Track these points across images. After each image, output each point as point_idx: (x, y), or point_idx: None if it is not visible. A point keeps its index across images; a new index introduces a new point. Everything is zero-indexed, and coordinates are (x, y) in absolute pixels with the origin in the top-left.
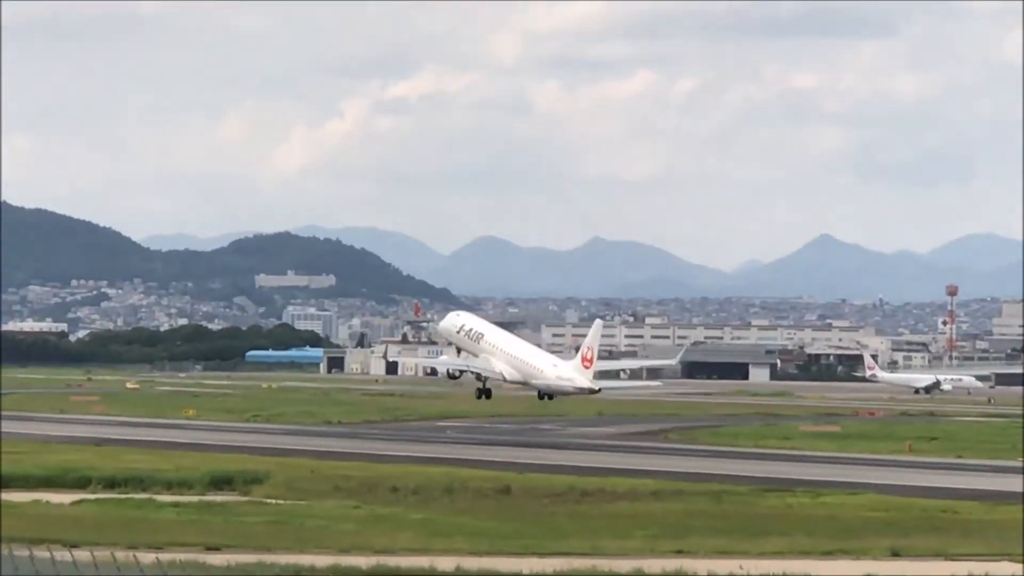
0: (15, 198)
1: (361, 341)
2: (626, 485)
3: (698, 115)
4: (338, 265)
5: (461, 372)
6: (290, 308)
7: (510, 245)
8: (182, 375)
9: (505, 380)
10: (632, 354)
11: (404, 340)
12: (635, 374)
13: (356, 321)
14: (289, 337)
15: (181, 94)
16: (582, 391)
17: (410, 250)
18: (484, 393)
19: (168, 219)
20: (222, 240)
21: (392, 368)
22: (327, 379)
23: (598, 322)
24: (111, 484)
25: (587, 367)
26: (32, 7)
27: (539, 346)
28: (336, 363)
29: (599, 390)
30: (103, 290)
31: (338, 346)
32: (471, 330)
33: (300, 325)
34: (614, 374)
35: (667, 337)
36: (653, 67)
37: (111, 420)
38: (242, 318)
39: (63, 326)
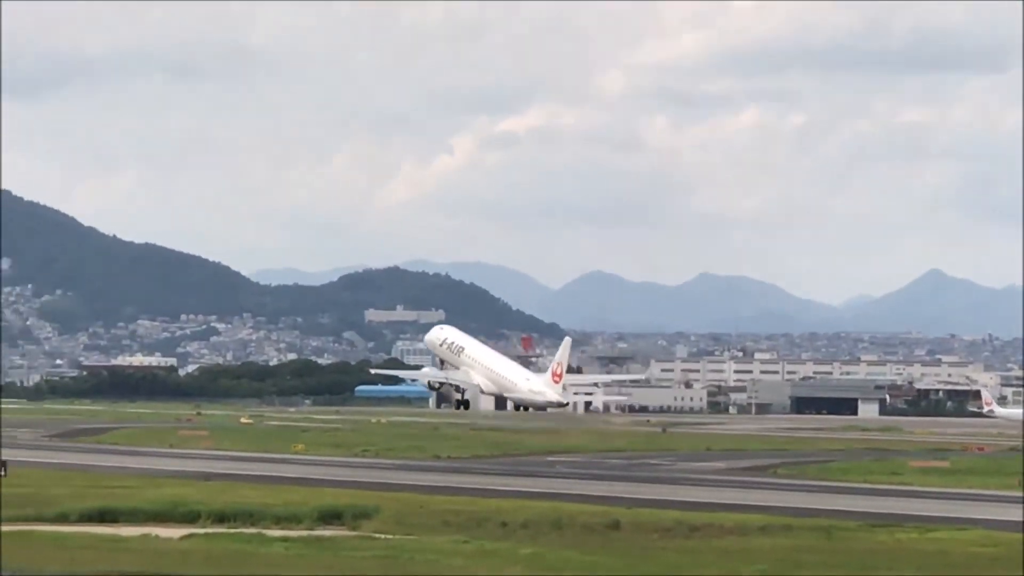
0: (126, 233)
1: None
2: (735, 520)
3: (808, 150)
4: (447, 300)
5: (442, 384)
6: (399, 343)
7: (619, 279)
8: (291, 410)
9: (482, 391)
10: (741, 389)
11: None
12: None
13: None
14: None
15: (292, 130)
16: (551, 404)
17: (519, 284)
18: (463, 404)
19: (278, 254)
20: (332, 275)
21: (501, 402)
22: (436, 414)
23: (567, 340)
24: (220, 519)
25: (556, 382)
26: (145, 44)
27: (647, 381)
28: (445, 398)
29: (567, 404)
30: (213, 325)
31: None
32: (453, 343)
33: (409, 360)
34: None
35: (776, 372)
36: (763, 102)
37: (220, 455)
38: (351, 353)
39: (172, 361)
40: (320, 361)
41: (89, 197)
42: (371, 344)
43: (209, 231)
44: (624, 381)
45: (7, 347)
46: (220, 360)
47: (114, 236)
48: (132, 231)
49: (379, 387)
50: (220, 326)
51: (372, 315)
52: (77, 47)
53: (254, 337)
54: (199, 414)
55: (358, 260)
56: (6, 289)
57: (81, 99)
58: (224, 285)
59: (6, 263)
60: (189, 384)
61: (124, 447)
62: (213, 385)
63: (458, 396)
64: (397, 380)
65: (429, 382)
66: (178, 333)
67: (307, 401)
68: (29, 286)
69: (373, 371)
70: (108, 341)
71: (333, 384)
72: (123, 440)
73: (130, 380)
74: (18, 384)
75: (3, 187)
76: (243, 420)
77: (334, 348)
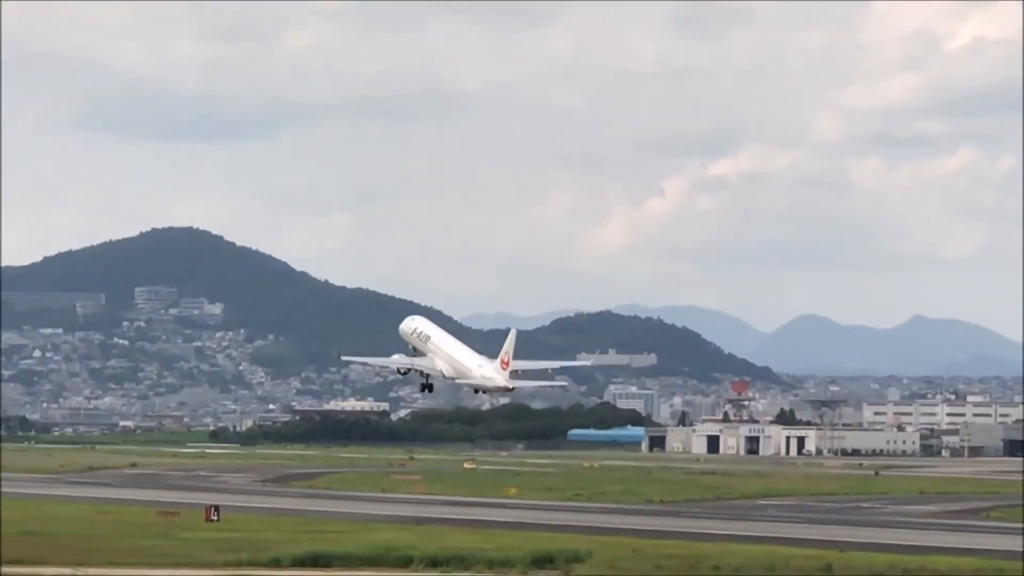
0: (338, 278)
1: (682, 420)
2: (948, 564)
3: (1019, 192)
4: (659, 343)
5: (408, 369)
6: (611, 387)
7: (831, 323)
8: (504, 454)
9: (444, 376)
10: (953, 432)
11: (725, 419)
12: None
13: (677, 400)
14: (610, 416)
15: (502, 173)
16: (499, 388)
17: (731, 328)
18: (427, 387)
19: (489, 298)
20: (543, 319)
21: (713, 446)
22: (648, 457)
23: (513, 331)
24: (433, 563)
25: (504, 368)
26: (355, 89)
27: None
28: (657, 442)
29: (513, 388)
30: None
31: (659, 425)
32: (421, 332)
33: (622, 404)
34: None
35: (989, 415)
36: (973, 144)
37: (433, 499)
38: (563, 397)
39: (385, 405)
40: (532, 405)
41: (301, 242)
42: (583, 388)
43: (421, 275)
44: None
45: (219, 392)
46: (432, 405)
47: (326, 281)
48: (344, 275)
49: (591, 431)
50: None
51: (584, 359)
52: (287, 92)
53: None
54: (411, 458)
55: (570, 304)
56: (219, 334)
57: (293, 143)
58: None
59: (219, 308)
60: (401, 428)
61: (336, 491)
62: (425, 429)
63: (423, 380)
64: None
65: (398, 368)
66: (390, 378)
67: (519, 445)
68: (242, 331)
69: (344, 357)
70: (320, 386)
71: (545, 428)
72: (335, 485)
73: (342, 425)
74: (230, 429)
75: (216, 232)
76: (466, 465)
77: (546, 392)
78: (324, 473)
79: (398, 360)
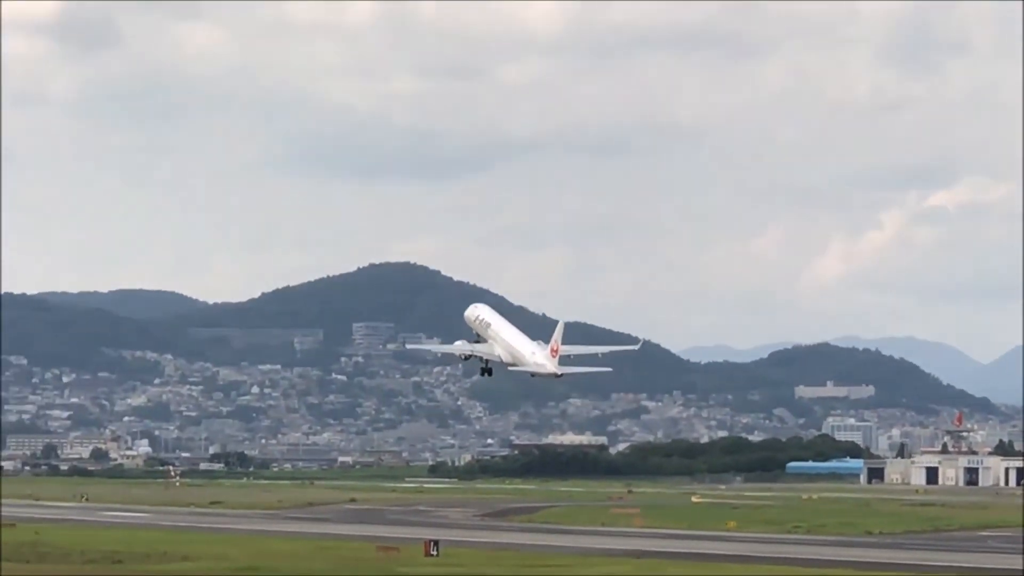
0: (554, 312)
1: (901, 451)
2: None
3: None
4: (877, 375)
5: (470, 355)
6: (830, 419)
7: None
8: (722, 487)
9: (502, 361)
10: None
11: (944, 450)
12: None
13: (895, 431)
14: (829, 448)
15: (718, 205)
16: (550, 374)
17: (949, 359)
18: (487, 371)
19: (707, 331)
20: (761, 351)
21: (932, 478)
22: (867, 489)
23: (561, 323)
24: None
25: (553, 356)
26: (567, 124)
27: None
28: (876, 473)
29: (561, 375)
30: (643, 403)
31: (878, 456)
32: (482, 319)
33: (840, 436)
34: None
35: None
36: None
37: (652, 532)
38: (781, 429)
39: (603, 439)
40: (750, 438)
41: (518, 276)
42: (801, 420)
43: (638, 309)
44: (615, 351)
45: (438, 427)
46: (650, 438)
47: (543, 315)
48: (561, 310)
49: (809, 464)
50: (650, 404)
51: (802, 391)
52: (503, 127)
53: (684, 415)
54: (630, 492)
55: (787, 336)
56: (436, 369)
57: (508, 178)
58: (654, 363)
59: (436, 343)
60: (620, 462)
61: (555, 525)
62: (643, 463)
63: (482, 365)
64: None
65: (461, 353)
66: (608, 411)
67: (738, 478)
68: (460, 366)
69: (409, 346)
70: (539, 420)
71: (764, 461)
72: (554, 519)
73: (561, 459)
74: (449, 464)
75: (433, 267)
76: (694, 499)
77: (764, 425)
78: (543, 507)
79: (460, 347)
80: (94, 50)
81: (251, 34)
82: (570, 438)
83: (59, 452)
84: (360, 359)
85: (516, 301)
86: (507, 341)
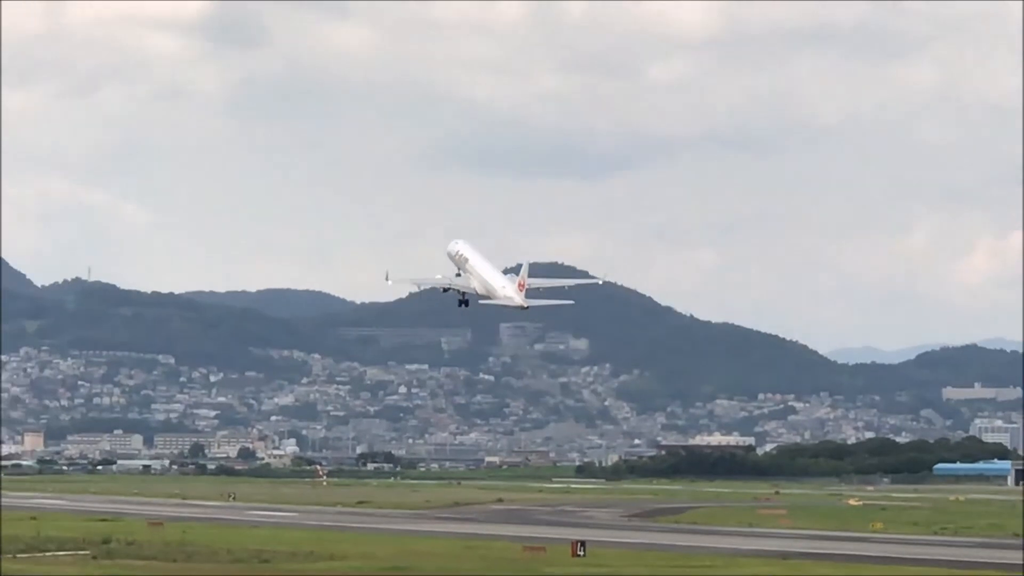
0: (702, 312)
1: None
2: None
3: None
4: None
5: (448, 288)
6: (977, 420)
7: None
8: (869, 488)
9: (476, 294)
10: None
11: None
12: None
13: None
14: (976, 450)
15: (864, 205)
16: (517, 306)
17: None
18: (464, 303)
19: (854, 331)
20: (908, 352)
21: None
22: (1015, 491)
23: (526, 263)
24: None
25: (521, 290)
26: (716, 123)
27: None
28: None
29: (528, 307)
30: (790, 404)
31: None
32: (461, 254)
33: (987, 438)
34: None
35: None
36: None
37: (798, 534)
38: (929, 431)
39: (750, 440)
40: (898, 439)
41: (666, 276)
42: (949, 422)
43: (785, 309)
44: (579, 284)
45: (585, 427)
46: (798, 439)
47: (691, 315)
48: (708, 310)
49: (957, 465)
50: (798, 405)
51: (950, 393)
52: (648, 126)
53: (831, 416)
54: (777, 493)
55: (934, 338)
56: (584, 369)
57: (654, 178)
58: (801, 364)
59: (584, 343)
60: (766, 463)
61: (702, 527)
62: (791, 464)
63: (460, 297)
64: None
65: (440, 285)
66: (755, 412)
67: (885, 479)
68: (607, 366)
69: (389, 281)
70: (686, 421)
71: (911, 462)
72: (701, 519)
73: (708, 459)
74: (596, 464)
75: (580, 267)
76: (851, 502)
77: (912, 426)
78: (689, 508)
79: (440, 280)
80: (241, 49)
81: (398, 32)
82: (717, 439)
83: (206, 451)
84: (507, 359)
85: (663, 301)
86: (481, 275)
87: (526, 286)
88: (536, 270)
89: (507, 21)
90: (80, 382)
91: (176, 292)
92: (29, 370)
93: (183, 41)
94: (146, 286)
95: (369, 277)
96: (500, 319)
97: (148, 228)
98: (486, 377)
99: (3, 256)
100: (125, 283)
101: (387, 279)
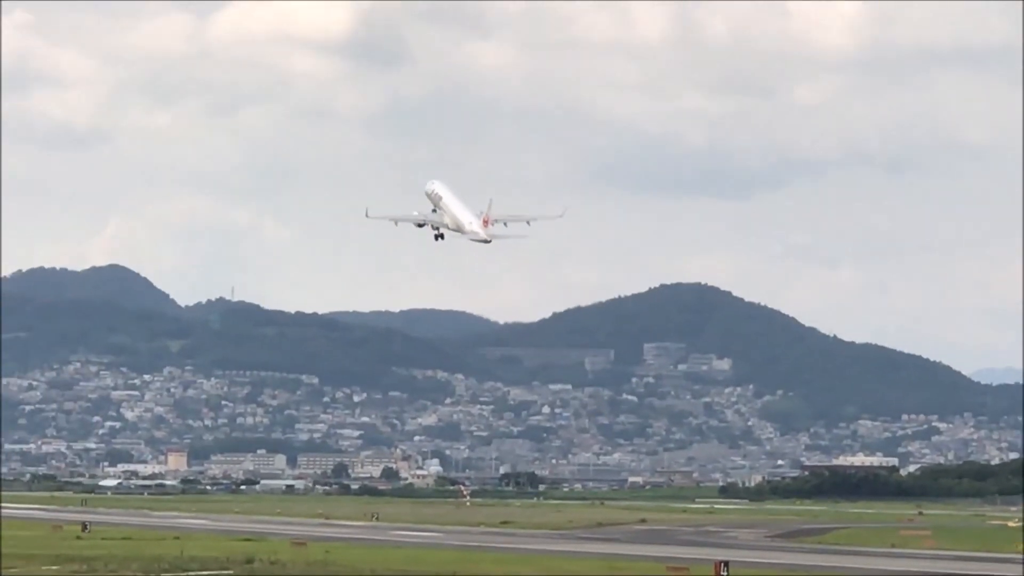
0: (846, 332)
1: None
2: None
3: None
4: None
5: (423, 223)
6: None
7: None
8: (1012, 509)
9: (448, 228)
10: None
11: None
12: None
13: None
14: None
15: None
16: (481, 239)
17: None
18: (439, 237)
19: (998, 352)
20: None
21: None
22: None
23: (491, 200)
24: None
25: (485, 225)
26: (855, 141)
27: None
28: None
29: (491, 240)
30: (934, 424)
31: None
32: (435, 193)
33: None
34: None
35: None
36: None
37: (942, 555)
38: None
39: (893, 460)
40: None
41: (809, 296)
42: None
43: (928, 329)
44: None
45: (728, 448)
46: (941, 460)
47: (834, 336)
48: (852, 330)
49: None
50: (941, 425)
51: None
52: (789, 146)
53: (975, 436)
54: (920, 514)
55: None
56: (727, 390)
57: (799, 198)
58: (944, 384)
59: (727, 363)
60: (910, 484)
61: (846, 547)
62: (934, 485)
63: (435, 232)
64: None
65: (416, 221)
66: (899, 433)
67: None
68: (750, 386)
69: (369, 215)
70: (829, 441)
71: None
72: (844, 540)
73: (851, 480)
74: (739, 484)
75: (724, 288)
76: (1010, 524)
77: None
78: (833, 528)
79: (416, 216)
80: (384, 68)
81: (541, 52)
82: (860, 459)
83: (350, 471)
84: (651, 379)
85: (806, 321)
86: (453, 212)
87: (490, 222)
88: (680, 290)
89: (649, 40)
90: (223, 402)
91: (320, 312)
92: (172, 390)
93: (326, 60)
94: (290, 306)
95: (513, 297)
96: (643, 338)
97: (291, 247)
98: (629, 397)
99: (147, 276)
100: (269, 303)
101: (367, 214)
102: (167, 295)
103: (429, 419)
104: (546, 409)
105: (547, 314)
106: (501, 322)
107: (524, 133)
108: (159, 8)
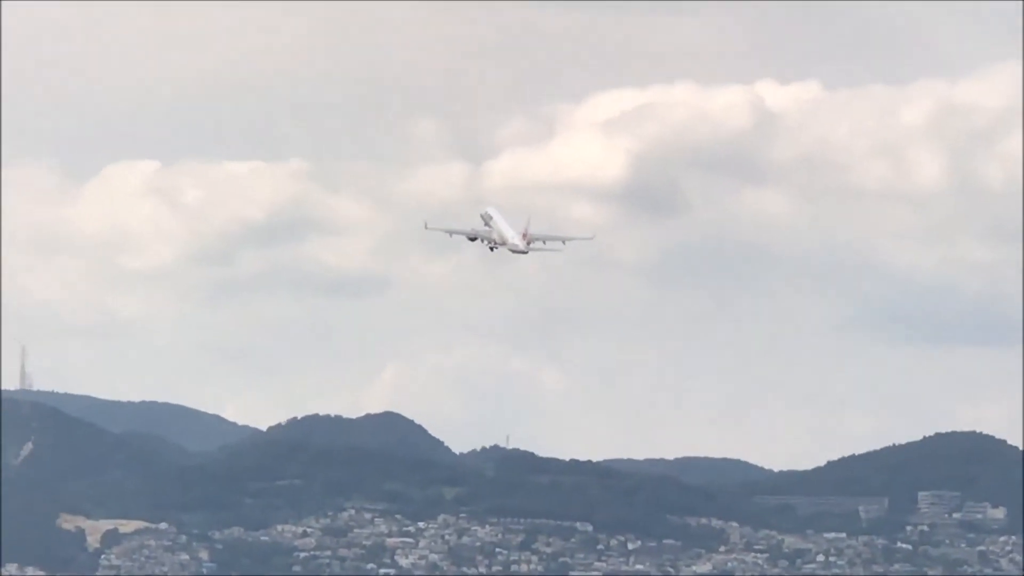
0: None
1: None
2: None
3: None
4: None
5: (474, 237)
6: None
7: None
8: None
9: (497, 242)
10: None
11: None
12: None
13: None
14: None
15: None
16: (520, 251)
17: None
18: (492, 248)
19: None
20: None
21: None
22: None
23: (528, 217)
24: None
25: (523, 238)
26: None
27: None
28: None
29: (527, 251)
30: None
31: None
32: (487, 214)
33: None
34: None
35: None
36: None
37: None
38: None
39: None
40: None
41: None
42: None
43: None
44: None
45: None
46: None
47: None
48: None
49: None
50: None
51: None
52: None
53: None
54: None
55: None
56: (1002, 538)
57: None
58: None
59: (1002, 512)
60: None
61: None
62: None
63: (489, 245)
64: None
65: (467, 234)
66: None
67: None
68: (1016, 540)
69: (428, 227)
70: None
71: None
72: None
73: None
74: None
75: (999, 437)
76: None
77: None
78: None
79: (470, 230)
80: (660, 215)
81: (818, 200)
82: None
83: None
84: (925, 527)
85: None
86: (500, 229)
87: (529, 236)
88: (955, 438)
89: (927, 188)
90: (498, 549)
91: (594, 460)
92: (447, 537)
93: (601, 208)
94: (564, 453)
95: (787, 445)
96: (918, 487)
97: (566, 395)
98: (903, 546)
99: (422, 423)
100: (543, 450)
101: (425, 227)
102: (441, 442)
103: (703, 567)
104: (820, 557)
105: (821, 462)
106: (775, 469)
107: (799, 280)
108: (435, 157)
